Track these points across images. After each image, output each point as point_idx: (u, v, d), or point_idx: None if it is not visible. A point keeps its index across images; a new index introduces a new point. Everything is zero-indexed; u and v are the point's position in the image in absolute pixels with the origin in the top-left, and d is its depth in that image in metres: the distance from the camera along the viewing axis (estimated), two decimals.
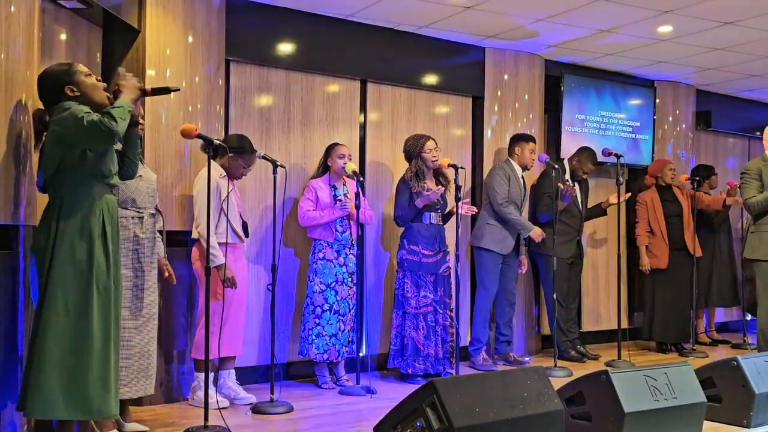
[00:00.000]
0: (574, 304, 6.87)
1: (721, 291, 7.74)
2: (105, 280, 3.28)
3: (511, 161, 6.37)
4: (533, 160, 6.40)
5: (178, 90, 3.73)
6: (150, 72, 4.82)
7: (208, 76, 5.11)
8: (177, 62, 4.94)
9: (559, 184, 6.22)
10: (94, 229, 3.28)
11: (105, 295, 3.28)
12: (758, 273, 5.56)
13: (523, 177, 6.40)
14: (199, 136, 4.18)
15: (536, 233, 6.26)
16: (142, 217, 4.07)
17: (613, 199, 6.72)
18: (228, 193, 4.70)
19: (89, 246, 3.26)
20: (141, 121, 3.91)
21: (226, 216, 4.71)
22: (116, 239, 3.40)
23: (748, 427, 4.29)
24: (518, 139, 6.41)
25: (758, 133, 9.06)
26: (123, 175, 3.67)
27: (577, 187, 6.71)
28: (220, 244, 4.65)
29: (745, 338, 7.68)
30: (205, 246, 4.42)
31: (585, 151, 6.75)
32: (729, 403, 4.37)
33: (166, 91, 3.67)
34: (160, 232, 4.22)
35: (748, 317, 7.77)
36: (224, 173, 4.77)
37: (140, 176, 4.04)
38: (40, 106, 3.44)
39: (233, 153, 4.76)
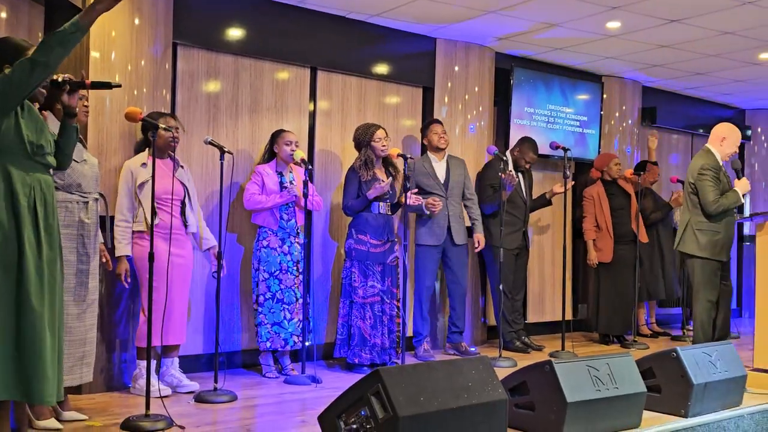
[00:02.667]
0: (520, 295, 6.93)
1: (663, 283, 7.89)
2: (36, 261, 3.16)
3: (427, 154, 6.35)
4: (441, 138, 6.28)
5: (120, 86, 3.63)
6: (94, 54, 4.71)
7: (155, 59, 5.01)
8: (122, 45, 4.83)
9: (500, 174, 6.24)
10: (21, 205, 3.15)
11: (37, 278, 3.15)
12: (694, 268, 5.68)
13: (447, 162, 6.33)
14: (144, 120, 4.10)
15: (429, 201, 6.06)
16: (87, 202, 3.98)
17: (558, 189, 6.78)
18: (145, 181, 4.59)
19: (15, 221, 3.13)
20: (85, 105, 3.80)
21: (141, 204, 4.63)
22: (51, 221, 3.28)
23: (685, 416, 4.38)
24: (423, 129, 6.44)
25: (701, 131, 9.27)
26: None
27: (520, 177, 6.74)
28: (137, 232, 4.63)
29: (685, 330, 7.85)
30: (147, 234, 4.35)
31: (526, 142, 6.79)
32: (668, 393, 4.46)
33: (107, 86, 3.57)
34: (102, 217, 4.13)
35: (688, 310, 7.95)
36: (145, 161, 4.66)
37: (84, 160, 3.95)
38: None
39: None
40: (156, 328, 4.27)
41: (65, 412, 4.00)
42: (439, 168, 6.31)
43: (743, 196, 5.60)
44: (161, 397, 4.14)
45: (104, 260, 4.29)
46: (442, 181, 6.28)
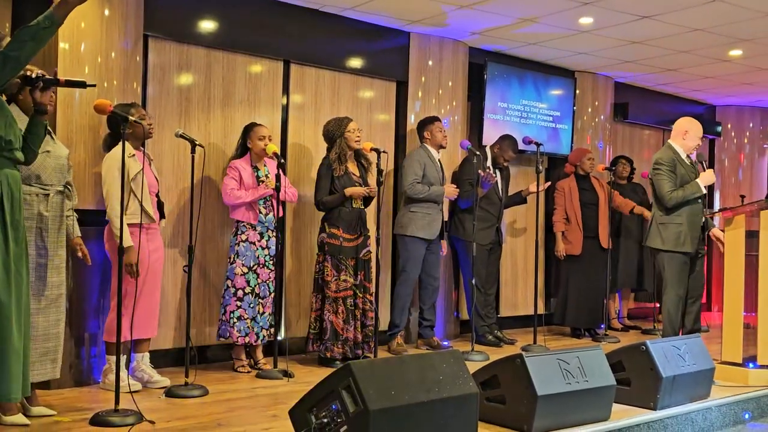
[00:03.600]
0: (492, 290, 6.96)
1: (631, 276, 7.97)
2: (3, 257, 3.12)
3: (426, 146, 6.39)
4: (445, 137, 6.41)
5: (94, 86, 3.60)
6: (63, 45, 4.65)
7: (125, 51, 4.96)
8: (92, 36, 4.77)
9: (479, 171, 6.27)
10: None
11: (4, 273, 3.12)
12: (662, 263, 5.74)
13: (439, 160, 6.43)
14: (113, 113, 4.05)
15: (449, 191, 6.31)
16: (48, 194, 3.91)
17: (533, 188, 6.82)
18: (138, 172, 4.55)
19: None
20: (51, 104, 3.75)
21: (136, 196, 4.57)
22: (18, 217, 3.23)
23: (654, 409, 4.43)
24: (425, 123, 6.43)
25: (672, 126, 9.33)
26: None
27: (497, 174, 6.78)
28: (130, 225, 4.53)
29: (655, 324, 7.93)
30: (119, 227, 4.30)
31: (506, 139, 6.82)
32: (637, 386, 4.51)
33: (81, 85, 3.54)
34: (74, 210, 4.07)
35: (657, 304, 8.04)
36: (134, 152, 4.62)
37: (47, 151, 3.88)
38: None
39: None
40: (126, 322, 4.23)
41: (34, 407, 3.96)
42: (437, 162, 6.38)
43: (706, 187, 5.67)
44: (131, 392, 4.10)
45: (81, 255, 4.22)
46: (440, 176, 6.36)
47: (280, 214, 5.46)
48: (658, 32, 6.67)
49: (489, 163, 6.76)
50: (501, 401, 3.97)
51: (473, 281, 6.32)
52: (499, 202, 6.82)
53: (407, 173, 6.23)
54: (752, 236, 5.48)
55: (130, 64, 5.00)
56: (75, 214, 4.20)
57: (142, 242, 4.51)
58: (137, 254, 4.46)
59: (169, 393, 4.53)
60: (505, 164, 6.88)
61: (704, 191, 5.65)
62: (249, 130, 5.41)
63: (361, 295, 5.65)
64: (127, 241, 4.44)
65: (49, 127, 3.81)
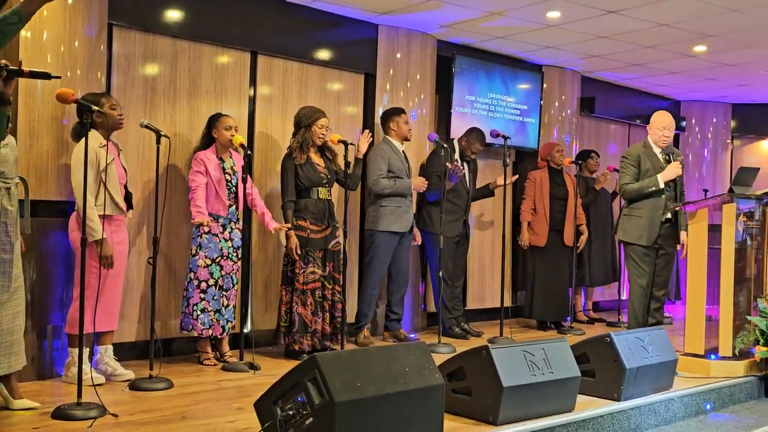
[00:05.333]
0: (460, 282, 6.98)
1: (598, 270, 8.03)
2: None
3: (389, 138, 6.38)
4: (410, 129, 6.42)
5: (59, 78, 3.54)
6: (25, 34, 4.55)
7: (89, 40, 4.88)
8: (55, 24, 4.69)
9: (447, 163, 6.28)
10: None
11: None
12: (628, 255, 5.82)
13: (404, 151, 6.42)
14: (77, 102, 4.00)
15: (417, 183, 6.33)
16: (9, 188, 3.85)
17: (501, 181, 6.85)
18: (108, 163, 4.50)
19: None
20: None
21: (106, 187, 4.52)
22: None
23: (618, 400, 4.48)
24: (390, 114, 6.41)
25: (638, 121, 9.45)
26: None
27: (465, 167, 6.79)
28: (99, 216, 4.46)
29: (620, 316, 8.02)
30: (82, 218, 4.24)
31: (474, 132, 6.84)
32: (602, 377, 4.55)
33: (45, 76, 3.49)
34: (21, 201, 3.99)
35: (624, 296, 8.13)
36: (104, 142, 4.56)
37: (6, 144, 3.82)
38: None
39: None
40: (89, 314, 4.17)
41: (16, 400, 3.94)
42: (402, 155, 6.37)
43: (667, 181, 5.75)
44: (94, 385, 4.05)
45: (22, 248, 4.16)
46: (406, 168, 6.35)
47: (243, 208, 5.43)
48: (625, 27, 6.73)
49: (457, 155, 6.78)
50: (467, 393, 3.99)
51: (440, 274, 6.33)
52: (467, 195, 6.85)
53: (371, 169, 6.22)
54: (714, 230, 5.57)
55: (94, 53, 4.92)
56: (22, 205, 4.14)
57: (106, 234, 4.45)
58: (105, 246, 4.42)
59: (133, 386, 4.49)
60: (473, 157, 6.90)
61: (661, 186, 5.72)
62: (215, 120, 5.36)
63: (330, 287, 5.64)
64: (98, 233, 4.39)
65: None
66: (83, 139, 4.41)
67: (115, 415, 3.85)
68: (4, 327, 3.82)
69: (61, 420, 3.78)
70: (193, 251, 5.25)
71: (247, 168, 5.18)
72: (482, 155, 7.45)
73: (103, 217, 4.45)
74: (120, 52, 5.35)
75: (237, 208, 5.37)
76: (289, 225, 5.49)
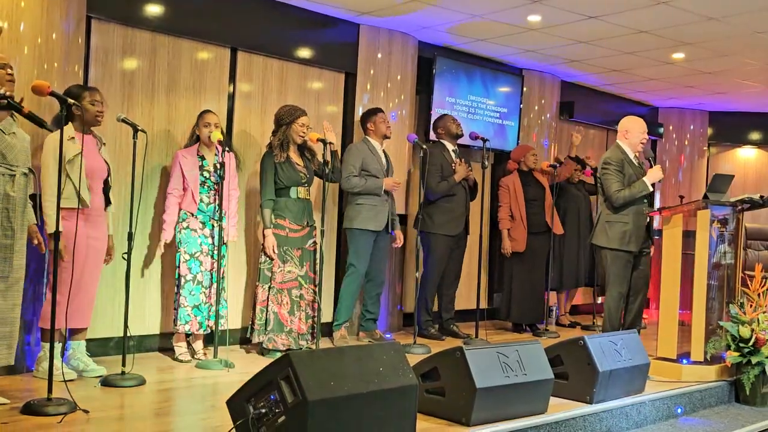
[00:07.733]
0: (456, 284, 7.06)
1: (578, 276, 8.07)
2: None
3: (368, 138, 6.38)
4: (389, 128, 6.41)
5: (52, 131, 3.53)
6: (1, 24, 4.51)
7: (67, 33, 4.83)
8: (32, 15, 4.63)
9: (451, 164, 6.44)
10: None
11: None
12: (605, 260, 5.83)
13: (384, 151, 6.42)
14: (52, 94, 3.95)
15: (389, 183, 6.29)
16: (14, 175, 3.84)
17: (461, 172, 6.75)
18: (76, 155, 4.44)
19: None
20: (9, 73, 3.68)
21: (71, 179, 4.47)
22: None
23: (590, 403, 4.51)
24: (368, 115, 6.42)
25: (616, 126, 9.46)
26: None
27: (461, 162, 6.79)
28: (65, 209, 4.41)
29: (595, 320, 8.06)
30: (74, 212, 4.22)
31: (443, 117, 6.87)
32: (575, 380, 4.58)
33: (41, 124, 3.69)
34: (32, 196, 3.98)
35: (600, 300, 8.16)
36: (74, 135, 4.51)
37: (13, 133, 3.84)
38: None
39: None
40: (61, 310, 4.13)
41: None
42: (381, 154, 6.36)
43: (653, 184, 5.77)
44: (65, 381, 4.01)
45: (36, 242, 4.14)
46: (384, 168, 6.33)
47: (221, 204, 5.39)
48: (605, 33, 6.77)
49: (451, 150, 6.79)
50: (440, 393, 3.99)
51: (417, 275, 6.32)
52: (465, 193, 6.84)
53: (343, 167, 6.20)
54: (689, 236, 5.60)
55: (71, 46, 4.88)
56: (30, 200, 4.11)
57: (79, 227, 4.40)
58: (73, 240, 4.36)
59: (105, 382, 4.45)
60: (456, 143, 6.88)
61: (650, 189, 5.74)
62: (198, 117, 5.36)
63: (306, 286, 5.63)
64: (53, 225, 4.34)
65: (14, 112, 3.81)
66: (55, 132, 4.40)
67: (86, 411, 3.82)
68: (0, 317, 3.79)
69: (31, 415, 3.73)
70: (177, 247, 5.23)
71: (222, 166, 5.16)
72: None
73: (77, 210, 4.40)
74: (98, 46, 5.30)
75: (220, 206, 5.34)
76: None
